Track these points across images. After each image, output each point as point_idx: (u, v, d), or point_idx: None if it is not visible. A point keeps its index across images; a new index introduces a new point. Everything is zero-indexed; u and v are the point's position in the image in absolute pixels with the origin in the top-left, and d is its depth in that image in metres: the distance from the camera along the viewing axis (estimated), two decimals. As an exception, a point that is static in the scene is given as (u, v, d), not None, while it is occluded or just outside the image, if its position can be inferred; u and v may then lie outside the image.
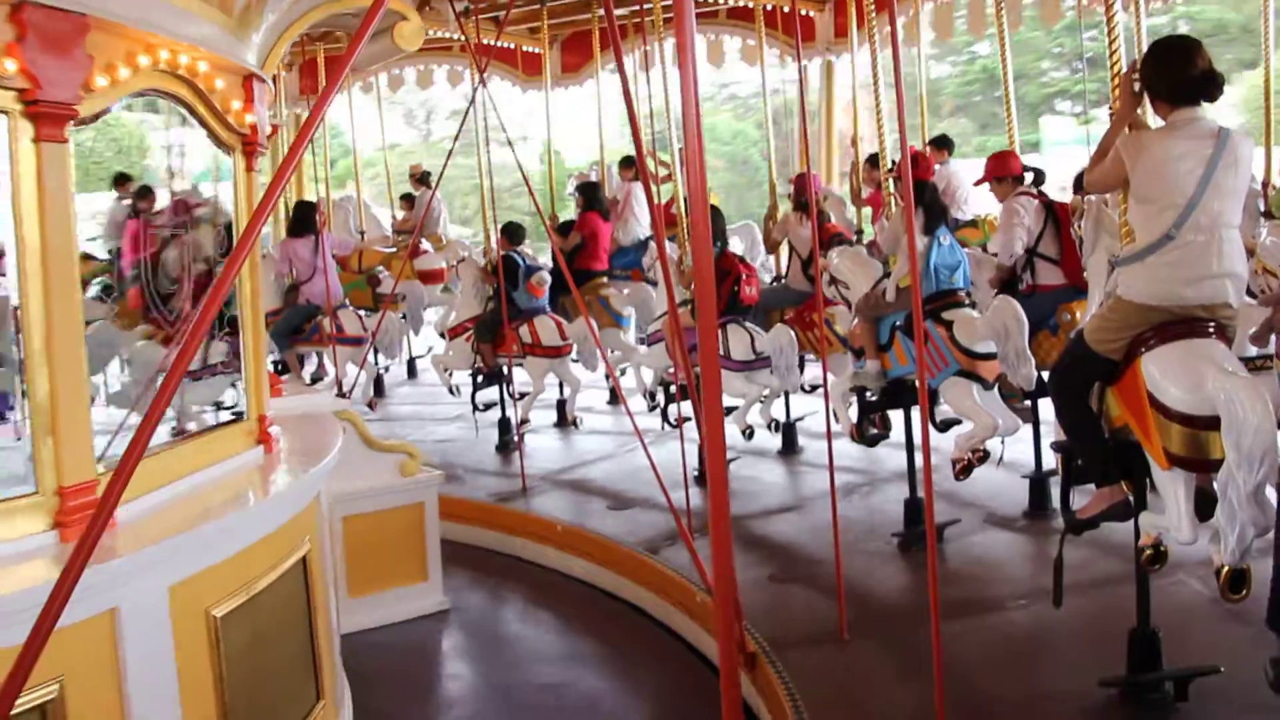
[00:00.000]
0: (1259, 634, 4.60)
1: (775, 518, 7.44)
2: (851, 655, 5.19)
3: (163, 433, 4.04)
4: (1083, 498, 4.56)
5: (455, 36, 12.28)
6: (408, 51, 4.81)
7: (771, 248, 10.98)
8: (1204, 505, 4.03)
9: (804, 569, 6.38)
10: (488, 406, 10.58)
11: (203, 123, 4.17)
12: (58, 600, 2.08)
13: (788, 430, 9.17)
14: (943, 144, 11.41)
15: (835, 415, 6.86)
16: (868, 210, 10.63)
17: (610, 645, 6.34)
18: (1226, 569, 3.89)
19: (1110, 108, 4.50)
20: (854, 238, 9.88)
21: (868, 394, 6.88)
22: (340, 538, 6.23)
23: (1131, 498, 4.40)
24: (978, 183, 7.58)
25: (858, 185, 10.91)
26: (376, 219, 15.10)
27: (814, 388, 9.20)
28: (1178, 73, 4.07)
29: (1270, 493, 3.76)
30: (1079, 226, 5.67)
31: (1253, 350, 5.38)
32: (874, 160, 10.24)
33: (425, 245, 13.28)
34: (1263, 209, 8.67)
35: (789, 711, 4.58)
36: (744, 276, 8.30)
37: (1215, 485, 3.86)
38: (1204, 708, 4.33)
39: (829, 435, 5.71)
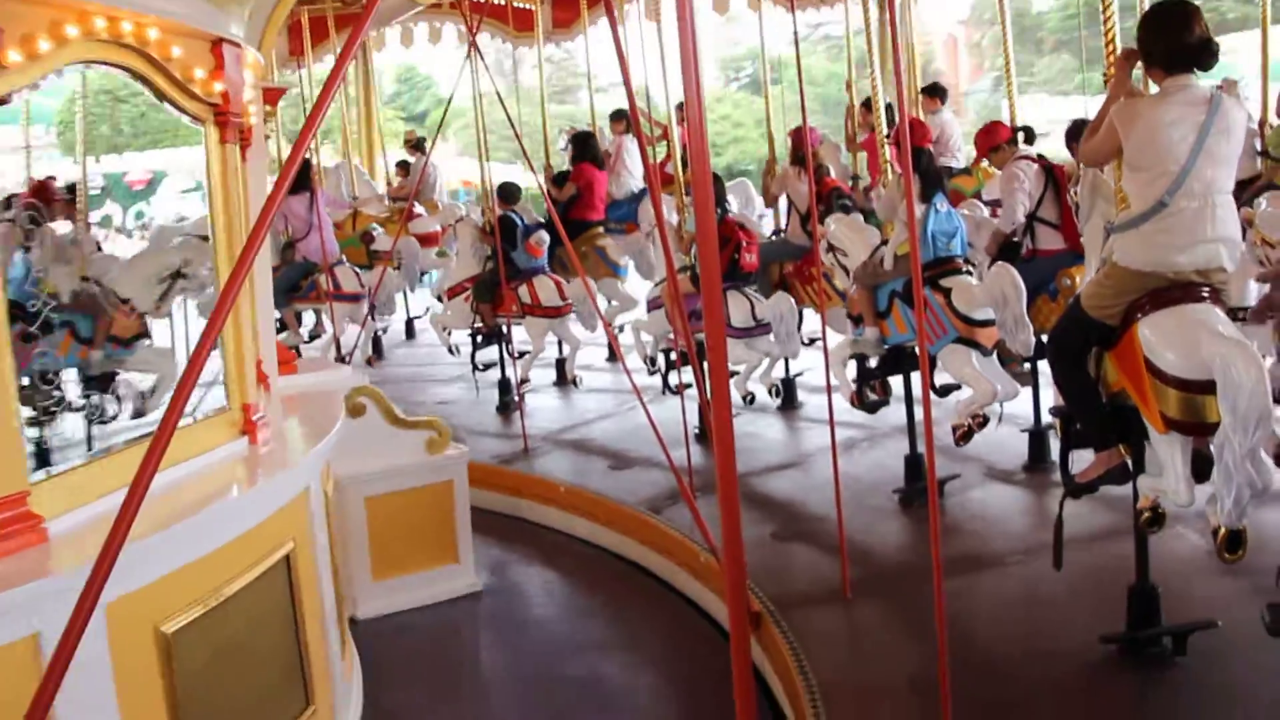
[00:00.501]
0: (1256, 587, 4.72)
1: (776, 474, 7.52)
2: (855, 614, 5.28)
3: (137, 424, 3.86)
4: (1081, 461, 4.63)
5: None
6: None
7: (770, 201, 10.98)
8: (1201, 466, 4.08)
9: (806, 526, 6.46)
10: (487, 366, 10.63)
11: (161, 94, 3.82)
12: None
13: (788, 385, 9.24)
14: (935, 92, 11.38)
15: (838, 382, 6.91)
16: (864, 156, 10.65)
17: (614, 606, 6.43)
18: (1224, 530, 3.96)
19: (1105, 76, 4.51)
20: (850, 189, 9.88)
21: (867, 361, 6.91)
22: (363, 519, 6.05)
23: (1130, 460, 4.46)
24: (974, 164, 7.62)
25: (852, 130, 10.92)
26: (371, 184, 15.07)
27: (813, 340, 9.25)
28: (1172, 39, 4.08)
29: (1266, 455, 3.82)
30: (1075, 192, 5.69)
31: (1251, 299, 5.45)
32: (869, 104, 10.25)
33: (419, 209, 13.27)
34: (1259, 148, 8.70)
35: (794, 672, 4.66)
36: (744, 244, 8.32)
37: (1212, 448, 3.91)
38: (1203, 661, 4.42)
39: (829, 391, 5.77)
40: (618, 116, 12.59)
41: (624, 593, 6.61)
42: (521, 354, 10.02)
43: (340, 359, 9.23)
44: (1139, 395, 4.18)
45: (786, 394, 9.22)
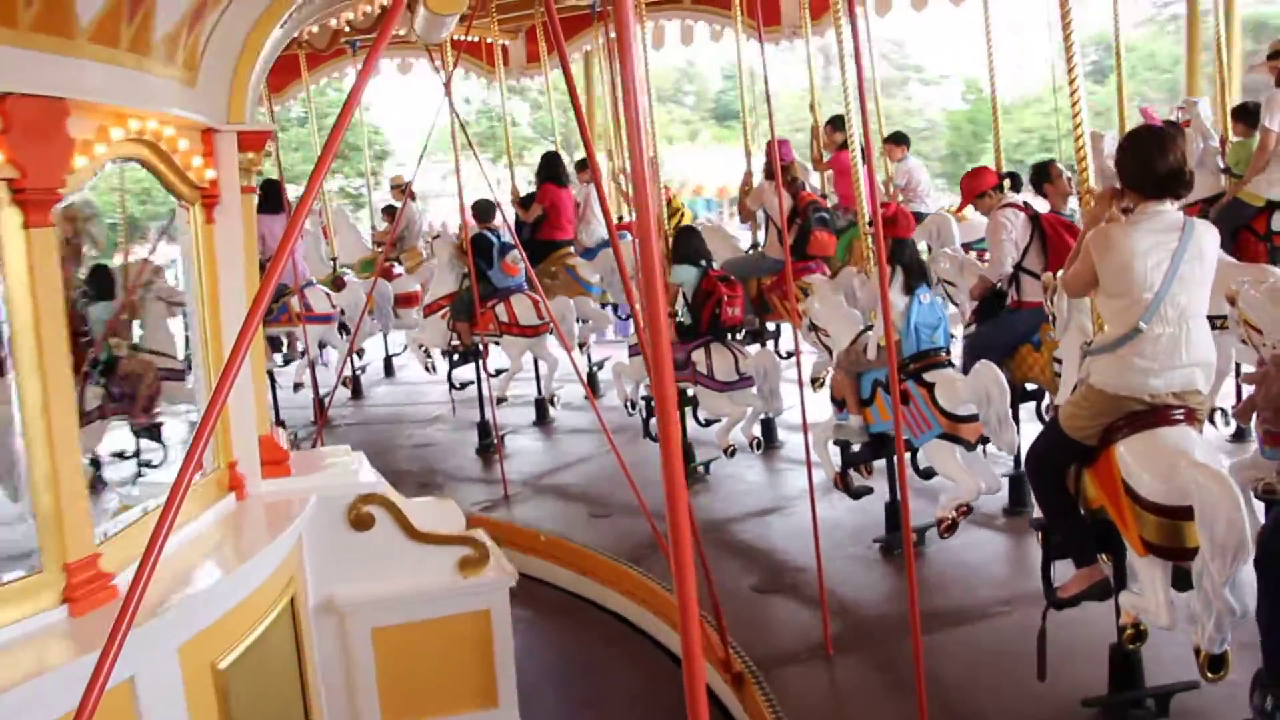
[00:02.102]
0: (1236, 648, 4.72)
1: (756, 521, 7.54)
2: (837, 672, 5.28)
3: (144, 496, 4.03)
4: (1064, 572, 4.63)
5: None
6: (448, 15, 4.08)
7: (746, 217, 11.01)
8: (1184, 578, 4.09)
9: (787, 578, 6.47)
10: (464, 385, 10.63)
11: (163, 181, 4.13)
12: (98, 681, 2.20)
13: (767, 425, 9.25)
14: (900, 140, 11.47)
15: (823, 463, 6.91)
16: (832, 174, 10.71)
17: (593, 659, 6.42)
18: (1204, 653, 3.96)
19: (1081, 204, 4.57)
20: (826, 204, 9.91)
21: (851, 446, 6.90)
22: (370, 657, 4.89)
23: (1112, 573, 4.51)
24: (958, 210, 7.64)
25: (818, 151, 10.94)
26: (356, 231, 14.79)
27: (789, 354, 9.30)
28: (1147, 167, 4.11)
29: (1248, 572, 3.83)
30: (1051, 303, 5.72)
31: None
32: (835, 122, 10.30)
33: (399, 269, 13.17)
34: (1221, 165, 8.81)
35: (778, 735, 4.67)
36: (725, 298, 8.33)
37: (1192, 573, 3.92)
38: (1184, 722, 4.44)
39: (804, 429, 5.81)
40: (581, 166, 12.55)
41: (603, 645, 6.59)
42: (498, 372, 10.01)
43: (320, 403, 9.20)
44: (1118, 516, 4.21)
45: (767, 434, 9.23)
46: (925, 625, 5.06)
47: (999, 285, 7.12)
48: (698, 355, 8.29)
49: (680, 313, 8.44)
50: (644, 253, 1.91)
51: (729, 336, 8.54)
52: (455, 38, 10.53)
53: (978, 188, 7.37)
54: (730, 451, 8.37)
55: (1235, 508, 3.73)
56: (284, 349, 12.48)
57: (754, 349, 8.64)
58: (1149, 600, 4.17)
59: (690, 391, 8.41)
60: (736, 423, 8.40)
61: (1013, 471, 7.20)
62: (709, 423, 8.55)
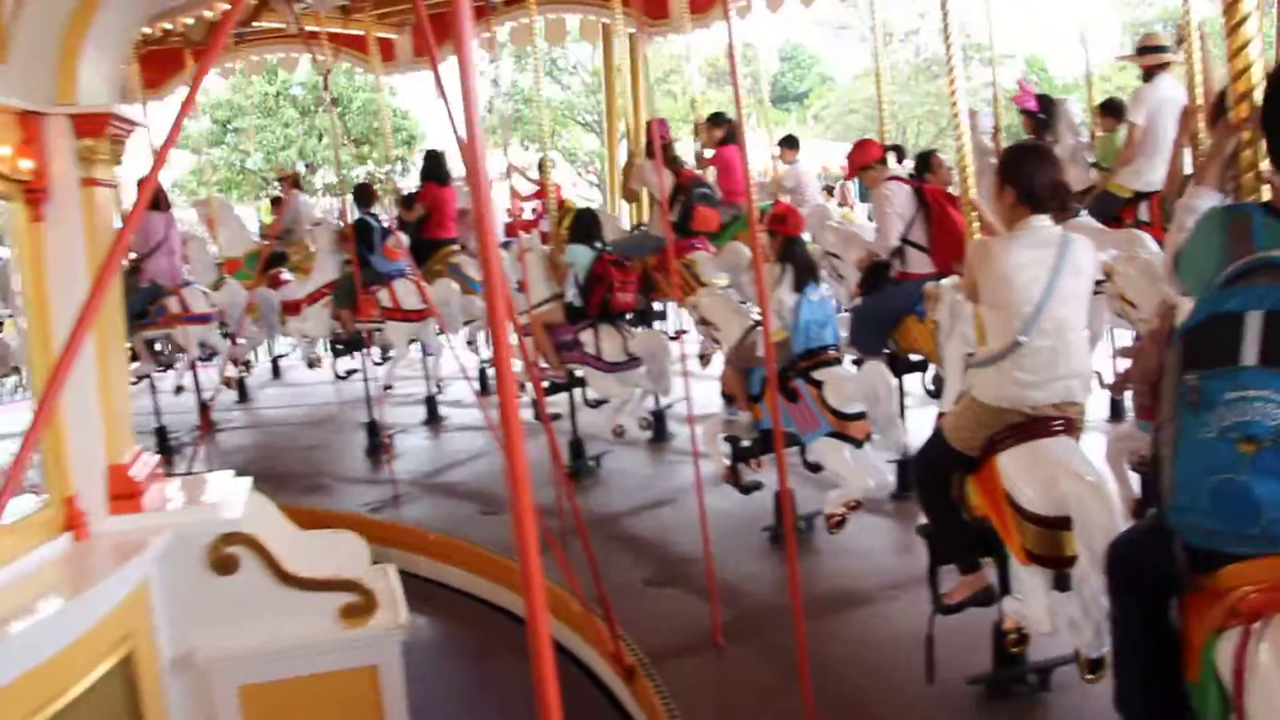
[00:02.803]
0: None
1: (646, 514, 7.52)
2: (728, 661, 5.26)
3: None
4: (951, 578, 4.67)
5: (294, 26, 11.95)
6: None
7: (629, 196, 10.99)
8: (1065, 580, 4.12)
9: (678, 569, 6.45)
10: (349, 374, 10.45)
11: None
12: None
13: (658, 417, 9.24)
14: (791, 144, 11.54)
15: (711, 458, 6.90)
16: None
17: (483, 656, 6.34)
18: (1084, 656, 4.01)
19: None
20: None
21: (741, 441, 6.90)
22: (236, 717, 4.14)
23: (995, 580, 4.56)
24: (846, 178, 7.73)
25: (700, 148, 10.93)
26: (240, 221, 14.26)
27: (676, 334, 9.33)
28: (1026, 181, 4.16)
29: None
30: (933, 311, 5.78)
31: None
32: (715, 119, 10.32)
33: (287, 275, 12.81)
34: (1090, 160, 9.05)
35: (669, 726, 4.63)
36: (617, 283, 8.30)
37: (1072, 580, 3.99)
38: (1066, 695, 4.51)
39: (691, 423, 5.76)
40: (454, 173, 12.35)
41: (494, 642, 6.50)
42: (384, 359, 9.86)
43: (203, 407, 8.96)
44: (1001, 525, 4.25)
45: (657, 426, 9.22)
46: (814, 612, 5.11)
47: (884, 257, 7.19)
48: (586, 336, 8.27)
49: (570, 294, 8.40)
50: (484, 254, 1.85)
51: (618, 319, 8.52)
52: (335, 30, 10.39)
53: (862, 160, 7.45)
54: (620, 432, 8.36)
55: (1112, 518, 3.80)
56: (165, 352, 12.10)
57: (641, 330, 8.62)
58: (1031, 607, 4.22)
59: (579, 373, 8.39)
60: (625, 404, 8.37)
61: (900, 457, 7.27)
62: (598, 403, 8.53)
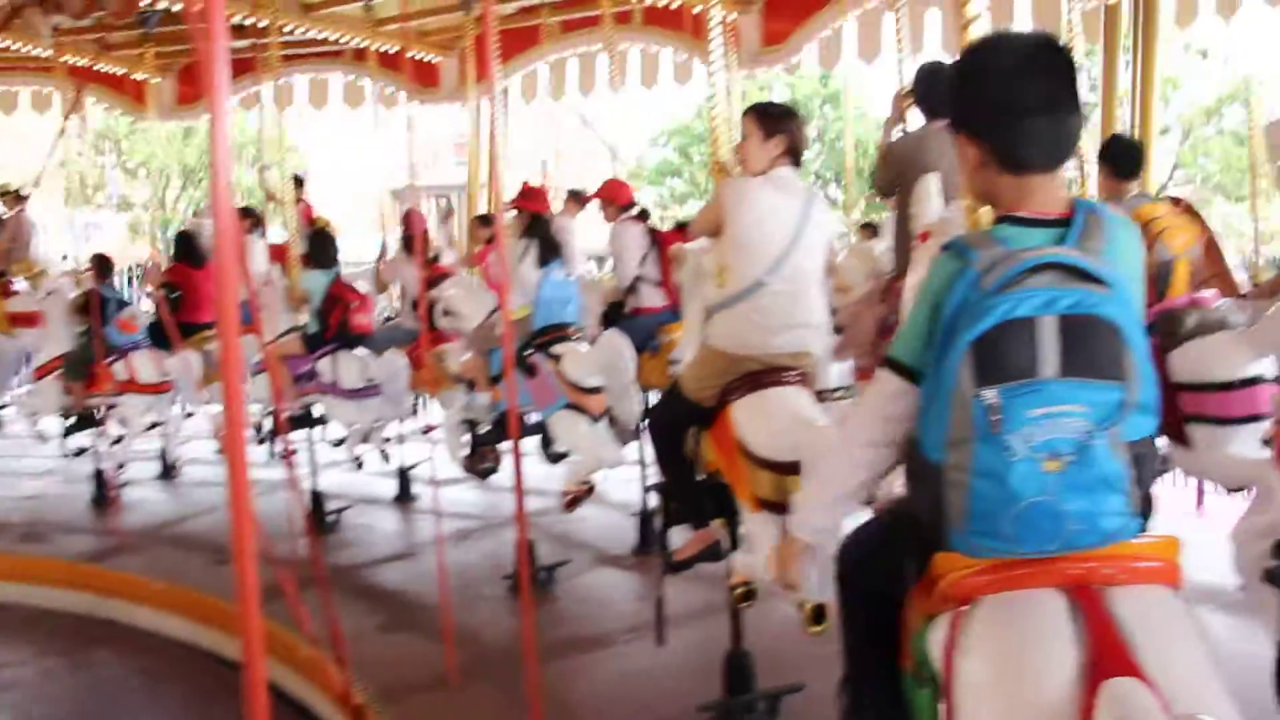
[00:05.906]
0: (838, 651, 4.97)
1: (386, 566, 7.33)
2: (463, 700, 5.14)
3: None
4: (682, 538, 4.75)
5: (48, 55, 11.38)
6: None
7: (381, 288, 10.80)
8: None
9: (416, 615, 6.29)
10: (80, 452, 9.84)
11: None
12: None
13: (403, 477, 9.07)
14: (575, 197, 11.69)
15: (449, 449, 6.90)
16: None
17: (199, 703, 6.03)
18: (809, 604, 4.07)
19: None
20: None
21: (479, 427, 6.91)
22: None
23: (724, 538, 4.61)
24: (589, 198, 7.97)
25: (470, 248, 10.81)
26: None
27: (431, 428, 9.20)
28: (785, 134, 4.34)
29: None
30: (679, 274, 5.96)
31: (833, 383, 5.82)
32: (482, 220, 10.32)
33: (18, 284, 11.93)
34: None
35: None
36: (354, 305, 8.20)
37: None
38: (794, 720, 4.61)
39: (435, 483, 5.72)
40: (245, 213, 11.90)
41: (212, 689, 6.13)
42: (118, 439, 9.34)
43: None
44: (732, 475, 4.32)
45: (402, 486, 9.05)
46: (551, 654, 5.08)
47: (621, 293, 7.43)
48: (323, 365, 8.10)
49: (307, 322, 8.25)
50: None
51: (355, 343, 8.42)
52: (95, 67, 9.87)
53: (613, 195, 7.76)
54: (358, 463, 8.21)
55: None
56: None
57: (381, 357, 8.45)
58: (760, 557, 4.26)
59: (317, 412, 8.20)
60: (364, 433, 8.22)
61: (640, 512, 7.35)
62: (340, 442, 8.36)
